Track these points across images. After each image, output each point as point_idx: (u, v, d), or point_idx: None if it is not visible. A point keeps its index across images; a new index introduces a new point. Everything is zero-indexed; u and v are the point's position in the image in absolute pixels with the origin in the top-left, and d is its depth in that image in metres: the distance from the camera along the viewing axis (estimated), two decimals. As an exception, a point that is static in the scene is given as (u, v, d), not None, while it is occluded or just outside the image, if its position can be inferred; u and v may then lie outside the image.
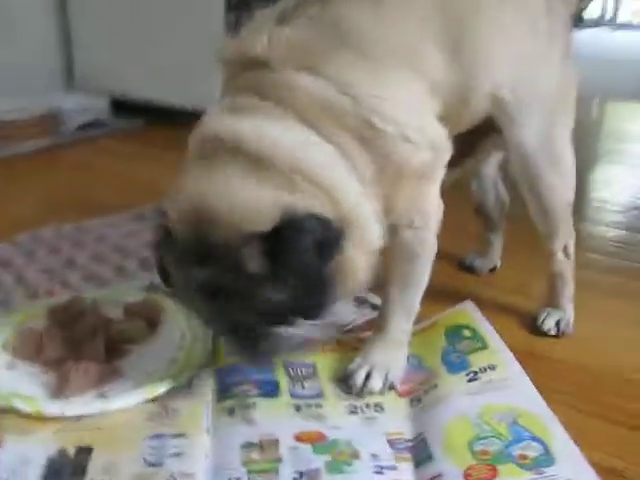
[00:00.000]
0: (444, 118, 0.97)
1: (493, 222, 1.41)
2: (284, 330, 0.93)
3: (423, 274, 1.03)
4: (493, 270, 1.43)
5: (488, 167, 1.35)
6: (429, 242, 1.01)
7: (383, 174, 0.90)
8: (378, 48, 0.91)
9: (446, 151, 0.97)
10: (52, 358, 1.06)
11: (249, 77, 0.93)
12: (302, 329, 0.94)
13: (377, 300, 1.21)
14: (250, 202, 0.84)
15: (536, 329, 1.19)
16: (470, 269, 1.42)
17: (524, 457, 0.83)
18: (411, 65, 0.93)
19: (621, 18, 6.34)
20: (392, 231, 0.97)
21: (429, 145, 0.93)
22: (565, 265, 1.19)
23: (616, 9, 6.32)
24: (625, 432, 0.94)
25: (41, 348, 1.08)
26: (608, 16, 6.13)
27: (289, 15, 0.94)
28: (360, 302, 1.26)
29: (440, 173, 0.98)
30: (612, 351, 1.15)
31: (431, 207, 0.99)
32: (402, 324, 1.04)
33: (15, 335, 1.11)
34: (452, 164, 1.03)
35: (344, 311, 1.22)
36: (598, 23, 5.72)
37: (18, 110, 2.37)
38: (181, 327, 1.15)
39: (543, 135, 1.08)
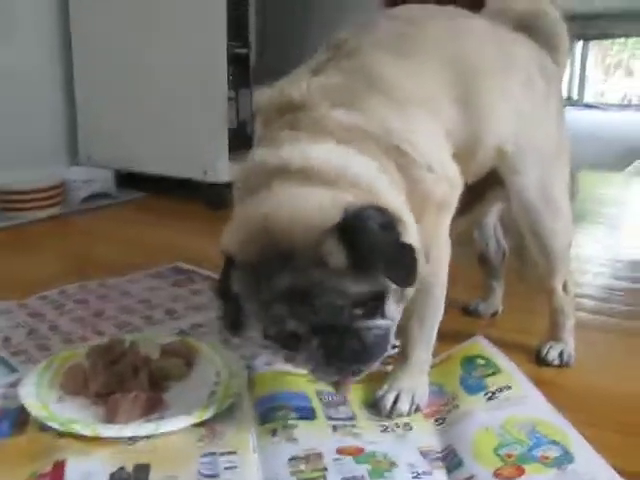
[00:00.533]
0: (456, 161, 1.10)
1: (495, 269, 1.53)
2: (371, 323, 0.92)
3: (439, 306, 1.13)
4: (495, 314, 1.54)
5: (488, 217, 1.49)
6: (442, 275, 1.12)
7: (412, 200, 0.99)
8: (400, 92, 1.04)
9: (460, 187, 1.09)
10: (99, 392, 1.14)
11: (286, 119, 1.02)
12: (388, 318, 0.95)
13: (395, 341, 1.32)
14: (313, 205, 0.89)
15: (541, 360, 1.29)
16: (474, 313, 1.54)
17: (546, 457, 0.93)
18: (429, 109, 1.06)
19: (587, 99, 6.75)
20: None
21: (447, 178, 1.05)
22: (565, 301, 1.31)
23: (582, 91, 6.72)
24: (633, 441, 1.04)
25: (87, 383, 1.16)
26: (575, 97, 6.51)
27: (322, 68, 1.07)
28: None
29: (453, 209, 1.10)
30: (612, 377, 1.26)
31: (444, 240, 1.10)
32: (423, 354, 1.14)
33: (62, 373, 1.20)
34: (461, 212, 1.16)
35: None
36: (566, 103, 6.08)
37: (28, 181, 2.49)
38: (216, 366, 1.24)
39: (541, 183, 1.22)
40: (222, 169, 2.52)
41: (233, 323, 0.97)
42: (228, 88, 2.57)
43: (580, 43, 6.15)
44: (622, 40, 7.10)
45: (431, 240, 1.06)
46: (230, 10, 2.51)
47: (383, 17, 1.19)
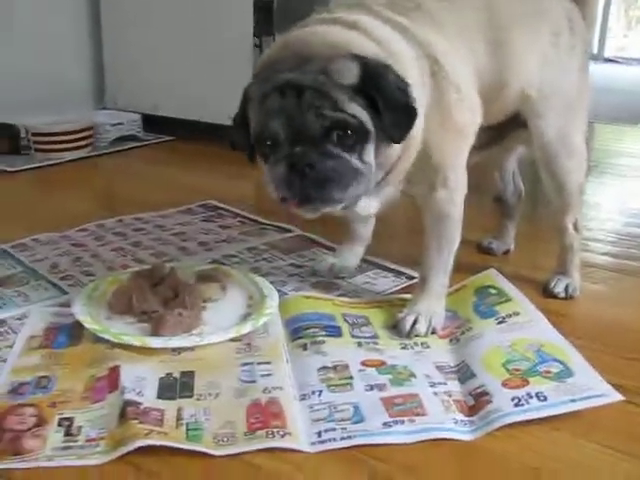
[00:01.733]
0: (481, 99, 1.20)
1: (510, 209, 1.63)
2: (344, 154, 1.00)
3: (455, 233, 1.23)
4: (507, 252, 1.64)
5: (509, 162, 1.58)
6: (459, 204, 1.21)
7: (432, 111, 1.09)
8: (441, 19, 1.16)
9: (478, 120, 1.18)
10: (145, 310, 1.26)
11: (351, 10, 1.12)
12: (364, 162, 1.02)
13: (412, 272, 1.44)
14: (342, 38, 1.02)
15: (548, 292, 1.39)
16: (488, 251, 1.63)
17: (548, 372, 1.04)
18: (465, 42, 1.17)
19: (607, 53, 6.73)
20: (429, 190, 1.18)
21: (470, 107, 1.15)
22: (574, 238, 1.41)
23: (602, 45, 6.69)
24: (625, 362, 1.15)
25: (132, 303, 1.27)
26: (595, 51, 6.48)
27: None
28: (398, 274, 1.48)
29: (471, 139, 1.19)
30: (613, 309, 1.36)
31: (462, 169, 1.20)
32: (440, 278, 1.24)
33: (109, 294, 1.31)
34: (482, 147, 1.26)
35: (384, 281, 1.45)
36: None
37: (60, 123, 2.58)
38: (248, 290, 1.35)
39: (561, 126, 1.31)
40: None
41: (244, 146, 1.08)
42: (253, 35, 2.63)
43: (602, 1, 6.10)
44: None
45: (448, 166, 1.16)
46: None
47: None
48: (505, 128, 1.35)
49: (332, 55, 0.99)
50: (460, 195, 1.21)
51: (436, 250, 1.23)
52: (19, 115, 2.62)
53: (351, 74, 0.98)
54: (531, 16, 1.26)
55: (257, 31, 2.70)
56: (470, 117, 1.17)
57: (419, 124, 1.06)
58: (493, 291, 1.30)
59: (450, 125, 1.14)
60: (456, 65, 1.13)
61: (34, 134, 2.55)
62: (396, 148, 1.05)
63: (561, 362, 1.07)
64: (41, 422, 0.96)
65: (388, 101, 0.99)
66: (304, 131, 0.99)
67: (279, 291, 1.34)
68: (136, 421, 0.94)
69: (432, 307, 1.23)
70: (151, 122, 2.92)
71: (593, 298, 1.41)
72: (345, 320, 1.24)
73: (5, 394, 1.03)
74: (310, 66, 0.98)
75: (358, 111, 0.99)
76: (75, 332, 1.21)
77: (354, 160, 1.01)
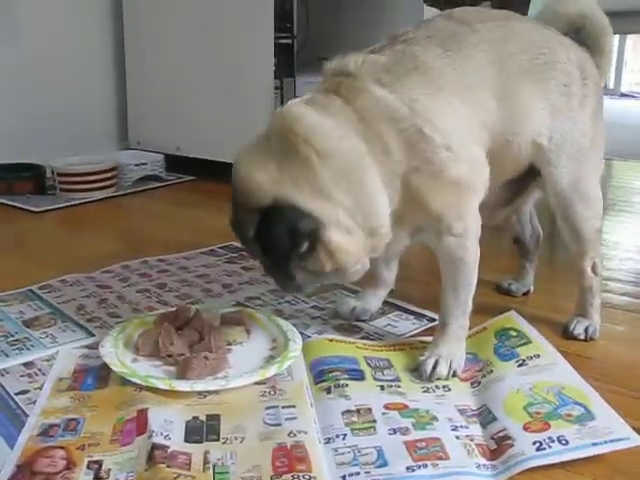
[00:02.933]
0: (492, 153, 1.23)
1: (529, 251, 1.64)
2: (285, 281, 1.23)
3: (471, 276, 1.25)
4: (526, 294, 1.65)
5: (526, 205, 1.60)
6: (471, 249, 1.23)
7: (418, 175, 1.15)
8: (441, 79, 1.20)
9: (482, 171, 1.22)
10: (171, 353, 1.28)
11: (336, 80, 1.21)
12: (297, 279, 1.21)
13: (432, 314, 1.46)
14: (259, 182, 1.14)
15: (568, 334, 1.41)
16: (507, 292, 1.65)
17: (569, 415, 1.05)
18: (464, 98, 1.20)
19: (623, 88, 6.77)
20: (436, 237, 1.22)
21: (468, 159, 1.18)
22: (594, 280, 1.42)
23: (618, 80, 6.74)
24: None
25: (158, 346, 1.31)
26: (612, 86, 6.53)
27: (379, 50, 1.24)
28: (419, 316, 1.50)
29: (479, 188, 1.22)
30: (635, 350, 1.38)
31: (470, 217, 1.23)
32: (459, 321, 1.26)
33: (137, 337, 1.34)
34: (505, 204, 1.33)
35: (405, 324, 1.47)
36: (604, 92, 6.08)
37: (86, 164, 2.65)
38: (272, 333, 1.37)
39: (574, 175, 1.33)
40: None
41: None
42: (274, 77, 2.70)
43: (618, 36, 6.15)
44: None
45: (451, 216, 1.20)
46: (276, 1, 2.64)
47: (440, 17, 1.31)
48: (524, 181, 1.38)
49: (249, 203, 1.16)
50: (471, 240, 1.23)
51: (453, 294, 1.25)
52: (44, 155, 2.70)
53: (251, 227, 1.16)
54: (541, 69, 1.29)
55: (278, 73, 2.76)
56: (467, 169, 1.19)
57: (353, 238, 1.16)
58: (513, 333, 1.32)
59: (446, 179, 1.17)
60: (446, 125, 1.16)
61: (60, 174, 2.62)
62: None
63: (582, 405, 1.08)
64: (70, 465, 0.98)
65: (267, 250, 1.18)
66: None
67: (302, 334, 1.36)
68: (164, 465, 0.96)
69: (453, 350, 1.25)
70: (173, 162, 2.98)
71: (613, 339, 1.42)
72: (367, 363, 1.26)
73: (35, 436, 1.05)
74: (238, 213, 1.21)
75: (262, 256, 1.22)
76: (102, 374, 1.23)
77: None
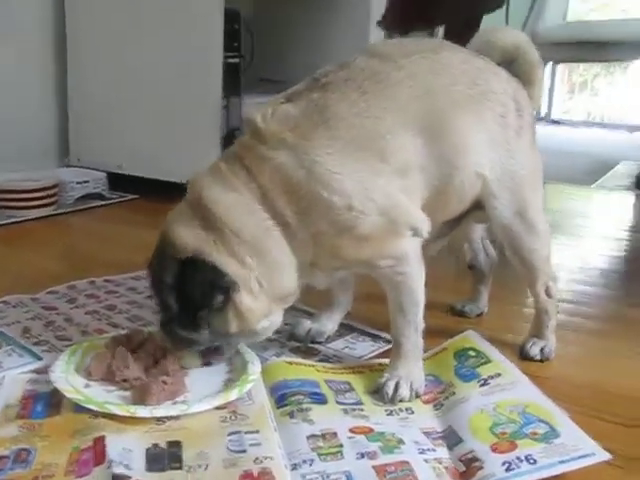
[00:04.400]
0: (434, 189, 1.24)
1: (484, 275, 1.66)
2: (188, 333, 1.21)
3: (416, 295, 1.24)
4: (480, 315, 1.67)
5: (476, 232, 1.62)
6: (410, 272, 1.22)
7: (327, 236, 1.16)
8: (351, 131, 1.16)
9: (410, 209, 1.21)
10: (127, 378, 1.24)
11: (243, 142, 1.20)
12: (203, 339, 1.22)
13: (388, 336, 1.45)
14: (183, 237, 1.16)
15: (524, 355, 1.42)
16: (460, 313, 1.66)
17: (535, 433, 1.06)
18: (375, 148, 1.17)
19: (554, 115, 7.01)
20: (367, 269, 1.23)
21: (379, 212, 1.16)
22: (548, 303, 1.44)
23: (550, 107, 6.97)
24: (595, 421, 1.18)
25: (112, 371, 1.26)
26: (543, 113, 6.75)
27: (296, 96, 1.20)
28: (375, 338, 1.50)
29: (405, 231, 1.20)
30: (589, 370, 1.41)
31: (401, 251, 1.21)
32: (412, 339, 1.25)
33: (89, 360, 1.29)
34: (440, 235, 1.33)
35: (362, 346, 1.46)
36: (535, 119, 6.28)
37: (26, 181, 2.56)
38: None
39: (517, 206, 1.33)
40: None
41: None
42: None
43: (549, 64, 6.38)
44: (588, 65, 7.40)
45: (376, 256, 1.21)
46: (225, 22, 2.62)
47: (364, 54, 1.26)
48: (461, 214, 1.37)
49: (173, 252, 1.18)
50: (409, 264, 1.22)
51: (400, 314, 1.25)
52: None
53: (171, 273, 1.17)
54: (476, 97, 1.27)
55: (224, 92, 2.74)
56: (382, 220, 1.17)
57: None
58: (472, 353, 1.33)
59: (356, 236, 1.17)
60: (345, 184, 1.14)
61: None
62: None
63: (546, 423, 1.08)
64: (23, 499, 0.94)
65: (182, 296, 1.18)
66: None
67: (259, 356, 1.34)
68: (126, 496, 0.92)
69: (411, 370, 1.25)
70: (115, 180, 2.91)
71: (567, 360, 1.45)
72: (329, 387, 1.24)
73: (-18, 470, 1.00)
74: (159, 259, 1.22)
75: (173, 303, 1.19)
76: (54, 401, 1.18)
77: (191, 334, 1.23)
